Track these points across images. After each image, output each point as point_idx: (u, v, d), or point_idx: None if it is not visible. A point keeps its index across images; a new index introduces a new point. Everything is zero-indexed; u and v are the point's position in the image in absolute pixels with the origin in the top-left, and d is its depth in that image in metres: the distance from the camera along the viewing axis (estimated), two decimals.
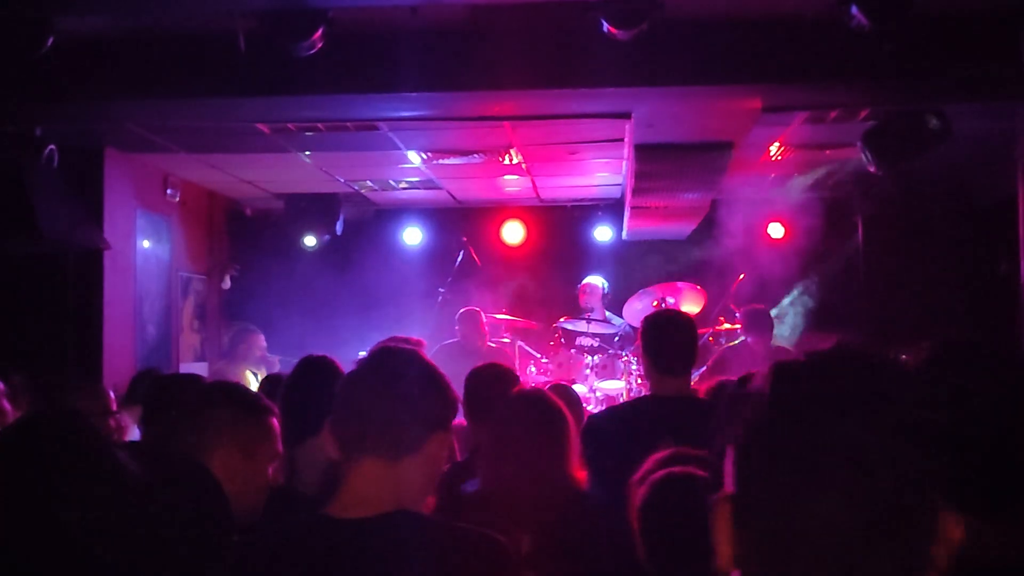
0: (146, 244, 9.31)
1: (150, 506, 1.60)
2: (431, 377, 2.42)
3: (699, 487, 2.65)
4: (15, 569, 1.54)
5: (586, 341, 9.69)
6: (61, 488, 1.58)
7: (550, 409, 3.74)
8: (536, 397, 3.83)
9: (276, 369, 9.04)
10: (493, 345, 9.18)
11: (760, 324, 8.70)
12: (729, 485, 1.26)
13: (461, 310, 9.20)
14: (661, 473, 2.76)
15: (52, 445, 1.67)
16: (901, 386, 1.21)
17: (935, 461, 1.18)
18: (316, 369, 3.99)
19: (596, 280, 10.40)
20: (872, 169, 7.52)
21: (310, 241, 10.97)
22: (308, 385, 3.88)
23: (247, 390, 3.16)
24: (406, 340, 4.90)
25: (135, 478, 1.70)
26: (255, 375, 9.39)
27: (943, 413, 1.22)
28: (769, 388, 1.25)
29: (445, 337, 9.62)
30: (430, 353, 3.22)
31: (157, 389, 4.27)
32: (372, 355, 2.48)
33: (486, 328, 9.10)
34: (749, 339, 8.76)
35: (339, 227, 11.02)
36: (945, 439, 1.19)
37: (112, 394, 5.00)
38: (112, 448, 1.64)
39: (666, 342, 4.50)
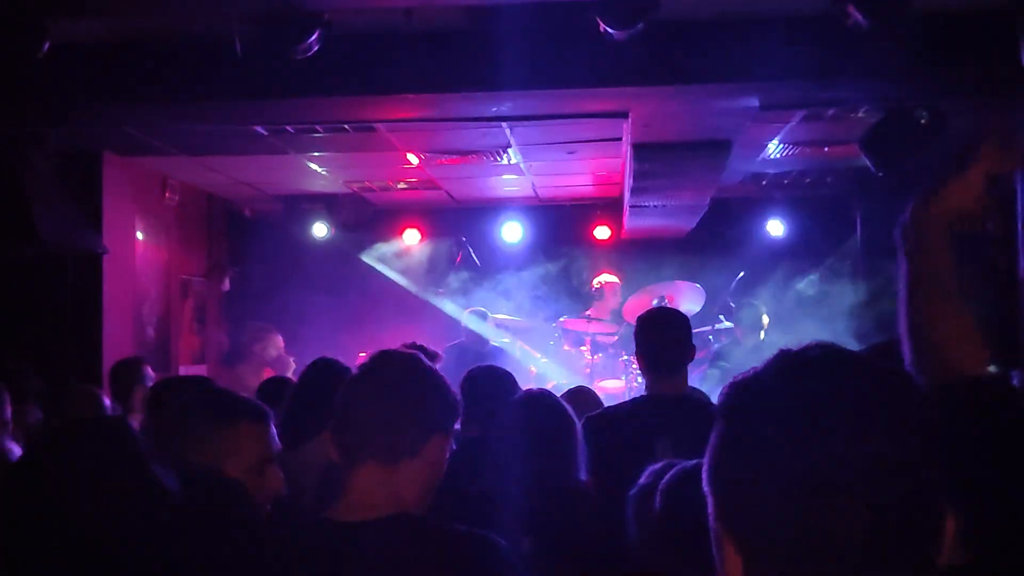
0: (145, 247, 9.30)
1: (182, 520, 1.60)
2: (429, 380, 2.44)
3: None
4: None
5: (585, 340, 9.69)
6: (93, 501, 1.59)
7: (555, 412, 3.74)
8: (541, 399, 3.82)
9: (291, 369, 9.04)
10: (497, 345, 9.16)
11: (751, 320, 8.70)
12: (718, 512, 1.22)
13: (467, 310, 9.16)
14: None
15: (90, 457, 1.67)
16: (894, 391, 1.19)
17: (941, 468, 1.16)
18: (325, 372, 3.97)
19: (615, 278, 10.38)
20: (879, 173, 7.52)
21: (320, 231, 10.95)
22: (316, 388, 3.87)
23: (229, 396, 3.16)
24: (423, 348, 4.86)
25: (168, 492, 1.70)
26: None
27: (938, 417, 1.20)
28: (756, 400, 1.21)
29: (445, 338, 9.63)
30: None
31: (155, 394, 4.26)
32: (370, 360, 2.49)
33: (492, 328, 9.07)
34: (741, 336, 8.78)
35: (339, 228, 11.02)
36: (942, 440, 1.18)
37: (107, 398, 4.99)
38: (148, 461, 1.64)
39: (659, 341, 4.48)
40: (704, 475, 1.24)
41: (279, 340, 9.95)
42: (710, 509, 1.23)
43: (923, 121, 6.82)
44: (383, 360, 2.47)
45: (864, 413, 1.14)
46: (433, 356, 4.61)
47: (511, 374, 4.59)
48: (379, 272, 11.40)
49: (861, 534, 1.11)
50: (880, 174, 7.58)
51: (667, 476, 2.71)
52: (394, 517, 2.28)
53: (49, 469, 1.64)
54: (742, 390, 1.23)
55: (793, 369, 1.21)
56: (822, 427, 1.14)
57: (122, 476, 1.61)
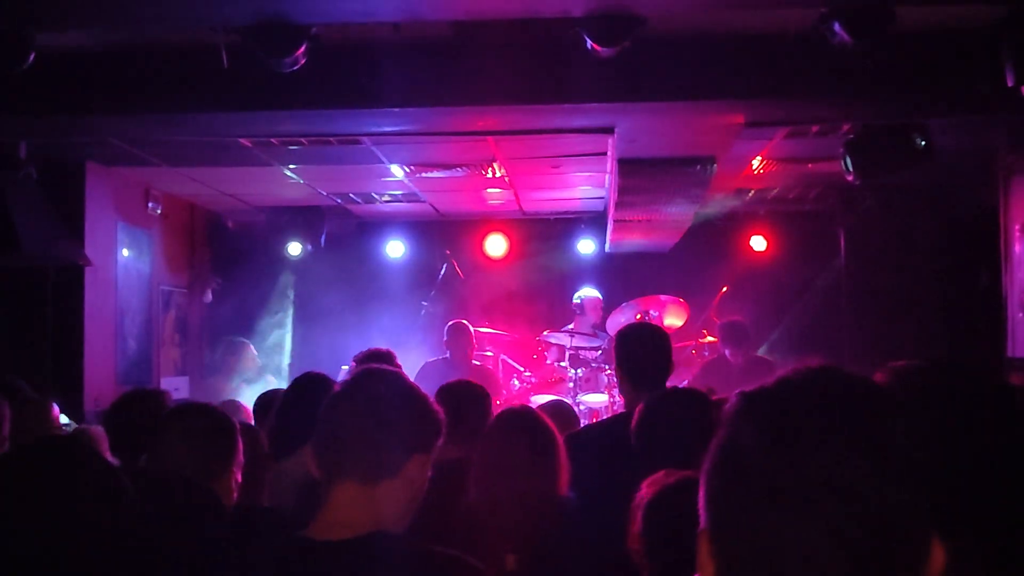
0: (127, 257, 9.26)
1: (150, 530, 1.60)
2: (411, 399, 2.42)
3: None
4: None
5: (569, 354, 9.68)
6: (62, 513, 1.58)
7: (539, 427, 3.73)
8: (525, 415, 3.82)
9: (271, 384, 8.99)
10: (477, 363, 9.09)
11: (737, 337, 8.72)
12: (704, 516, 1.24)
13: (450, 323, 9.03)
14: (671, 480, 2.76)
15: (55, 471, 1.66)
16: (882, 412, 1.20)
17: (922, 490, 1.16)
18: (310, 386, 3.96)
19: (596, 292, 10.38)
20: (850, 179, 7.55)
21: (294, 249, 10.91)
22: (300, 402, 3.86)
23: (204, 410, 3.15)
24: (377, 352, 4.88)
25: (136, 504, 1.70)
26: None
27: (927, 440, 1.21)
28: (743, 415, 1.23)
29: (429, 350, 9.59)
30: (412, 371, 3.18)
31: (117, 408, 4.21)
32: (352, 377, 2.47)
33: (475, 343, 8.99)
34: (727, 352, 8.79)
35: (321, 240, 10.98)
36: (930, 466, 1.18)
37: (57, 410, 4.91)
38: (112, 473, 1.63)
39: (639, 356, 4.48)
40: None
41: (254, 352, 9.90)
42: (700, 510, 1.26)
43: (917, 144, 6.86)
44: (365, 378, 2.45)
45: (834, 438, 1.15)
46: (388, 357, 4.62)
47: (485, 390, 4.55)
48: (363, 284, 11.36)
49: (819, 555, 1.12)
50: (856, 182, 7.62)
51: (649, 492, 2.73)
52: (371, 536, 2.26)
53: (10, 488, 1.64)
54: (740, 402, 1.25)
55: (783, 388, 1.23)
56: (792, 447, 1.16)
57: (83, 494, 1.60)
